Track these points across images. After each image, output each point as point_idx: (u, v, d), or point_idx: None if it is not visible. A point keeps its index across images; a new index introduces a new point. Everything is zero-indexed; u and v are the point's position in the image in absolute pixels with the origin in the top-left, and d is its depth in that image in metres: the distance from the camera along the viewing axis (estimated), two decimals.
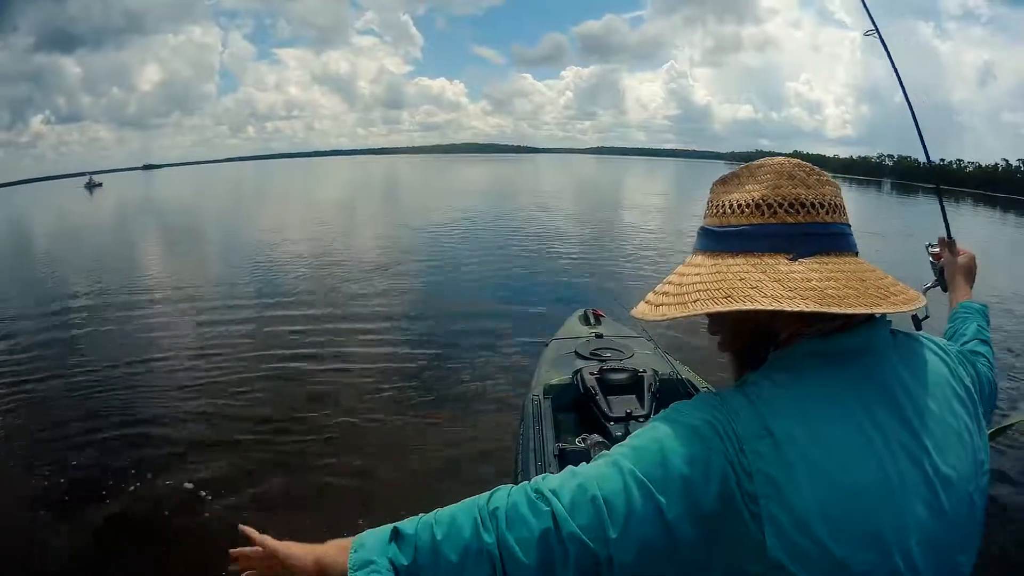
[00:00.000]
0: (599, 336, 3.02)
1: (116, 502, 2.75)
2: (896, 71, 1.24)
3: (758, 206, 0.61)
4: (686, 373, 2.55)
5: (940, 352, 0.67)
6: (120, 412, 3.83)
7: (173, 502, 2.72)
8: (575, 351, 2.75)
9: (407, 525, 0.58)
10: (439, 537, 0.56)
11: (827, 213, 0.60)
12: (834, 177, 0.65)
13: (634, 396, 2.34)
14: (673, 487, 0.53)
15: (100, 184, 52.12)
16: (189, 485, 2.83)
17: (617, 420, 2.18)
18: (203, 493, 2.77)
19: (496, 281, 7.13)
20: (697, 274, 0.63)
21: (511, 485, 0.59)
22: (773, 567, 0.52)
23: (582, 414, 2.30)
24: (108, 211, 25.54)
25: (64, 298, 7.30)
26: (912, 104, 1.25)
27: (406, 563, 0.55)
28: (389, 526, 0.59)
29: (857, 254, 0.62)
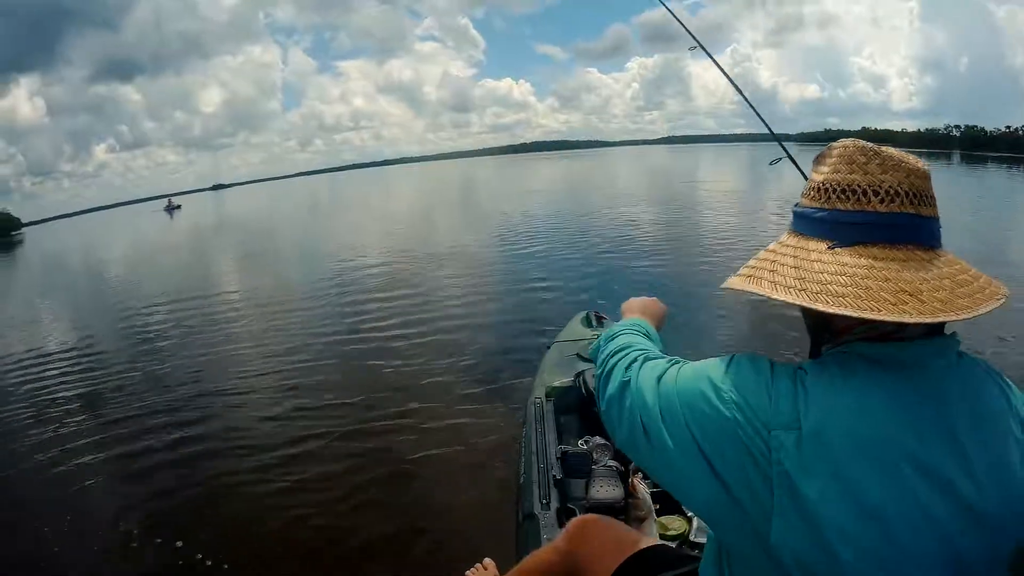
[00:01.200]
0: None
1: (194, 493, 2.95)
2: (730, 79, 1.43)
3: (819, 189, 0.62)
4: None
5: (1004, 386, 0.63)
6: (201, 404, 4.18)
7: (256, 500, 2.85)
8: (577, 353, 2.75)
9: (616, 332, 0.85)
10: (606, 348, 0.82)
11: (880, 202, 0.58)
12: (906, 151, 0.62)
13: None
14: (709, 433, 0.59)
15: (179, 206, 52.57)
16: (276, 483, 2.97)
17: None
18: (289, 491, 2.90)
19: (530, 287, 7.02)
20: (771, 249, 0.66)
21: (634, 347, 0.77)
22: (772, 559, 0.53)
23: (584, 416, 2.30)
24: (195, 231, 27.00)
25: (156, 309, 7.98)
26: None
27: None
28: (630, 324, 0.88)
29: (925, 245, 0.59)
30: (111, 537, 2.67)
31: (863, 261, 0.57)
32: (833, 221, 0.60)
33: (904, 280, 0.55)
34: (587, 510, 1.72)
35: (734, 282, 0.65)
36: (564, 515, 1.73)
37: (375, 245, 12.35)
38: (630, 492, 1.74)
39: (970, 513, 0.53)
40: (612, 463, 1.96)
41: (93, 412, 4.27)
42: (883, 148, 0.60)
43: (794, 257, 0.61)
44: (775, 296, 0.59)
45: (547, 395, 2.48)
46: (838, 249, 0.58)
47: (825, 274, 0.57)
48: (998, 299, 0.57)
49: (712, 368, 0.61)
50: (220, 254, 15.67)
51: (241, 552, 2.45)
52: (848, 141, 0.63)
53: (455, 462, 2.97)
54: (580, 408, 2.41)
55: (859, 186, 0.59)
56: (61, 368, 5.55)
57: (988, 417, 0.58)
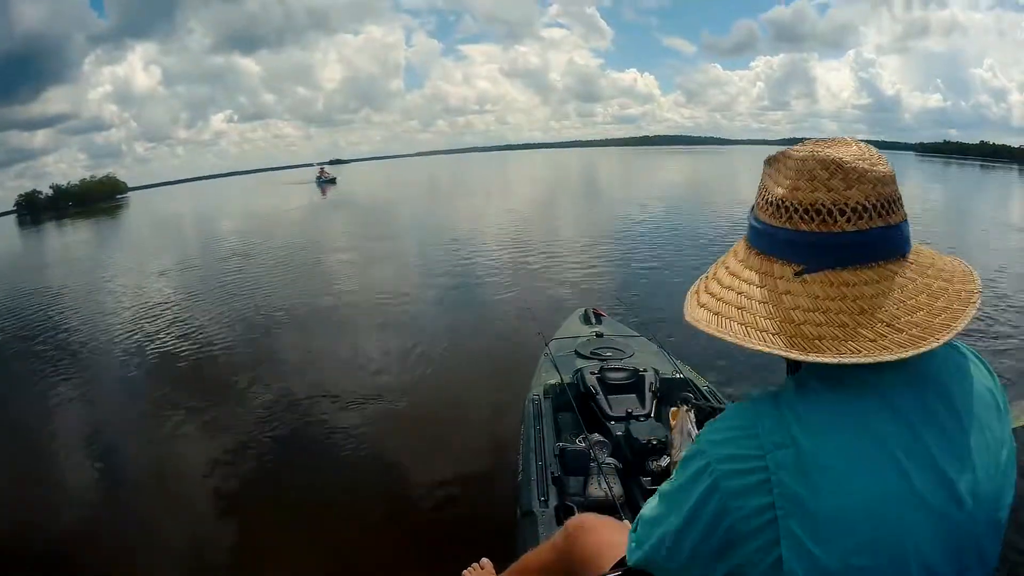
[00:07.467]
0: (599, 335, 3.00)
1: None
2: None
3: (778, 207, 0.58)
4: (687, 372, 2.53)
5: (981, 365, 0.63)
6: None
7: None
8: (575, 350, 2.74)
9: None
10: None
11: (847, 220, 0.54)
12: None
13: (634, 395, 2.33)
14: (684, 539, 0.60)
15: (334, 180, 39.49)
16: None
17: (618, 419, 2.17)
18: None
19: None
20: (731, 270, 0.63)
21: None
22: None
23: (582, 414, 2.30)
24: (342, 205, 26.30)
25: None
26: None
27: None
28: None
29: (898, 255, 0.57)
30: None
31: (834, 291, 0.55)
32: (798, 243, 0.56)
33: (880, 308, 0.53)
34: (585, 507, 1.72)
35: (699, 317, 0.60)
36: (562, 512, 1.73)
37: (486, 230, 12.33)
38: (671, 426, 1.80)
39: (961, 492, 0.54)
40: (610, 460, 1.96)
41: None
42: (844, 160, 0.55)
43: (760, 288, 0.58)
44: (747, 344, 0.55)
45: (545, 392, 2.47)
46: (807, 277, 0.56)
47: (798, 310, 0.55)
48: (973, 303, 0.56)
49: (673, 495, 0.64)
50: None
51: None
52: (806, 152, 0.57)
53: (453, 459, 2.95)
54: (578, 405, 2.40)
55: (823, 205, 0.55)
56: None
57: (973, 397, 0.58)
